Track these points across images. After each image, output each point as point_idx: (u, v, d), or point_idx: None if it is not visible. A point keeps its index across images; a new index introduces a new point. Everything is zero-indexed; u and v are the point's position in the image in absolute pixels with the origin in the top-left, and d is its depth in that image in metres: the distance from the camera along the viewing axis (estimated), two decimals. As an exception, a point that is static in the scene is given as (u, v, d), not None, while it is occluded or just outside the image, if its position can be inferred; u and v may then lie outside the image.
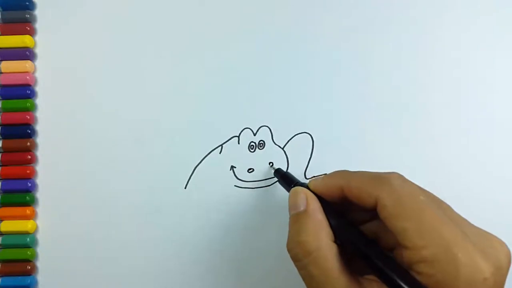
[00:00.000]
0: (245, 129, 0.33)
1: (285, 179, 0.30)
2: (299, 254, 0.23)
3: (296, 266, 0.23)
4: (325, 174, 0.33)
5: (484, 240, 0.21)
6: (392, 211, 0.21)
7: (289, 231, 0.24)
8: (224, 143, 0.33)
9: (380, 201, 0.22)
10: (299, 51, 0.33)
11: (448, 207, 0.23)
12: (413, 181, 0.23)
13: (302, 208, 0.24)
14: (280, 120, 0.33)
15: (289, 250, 0.24)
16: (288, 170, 0.33)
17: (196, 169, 0.33)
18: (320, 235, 0.23)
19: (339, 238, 0.23)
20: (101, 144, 0.33)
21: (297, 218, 0.24)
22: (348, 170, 0.25)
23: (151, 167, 0.33)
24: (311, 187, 0.26)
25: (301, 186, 0.26)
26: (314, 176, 0.32)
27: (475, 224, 0.22)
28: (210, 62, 0.33)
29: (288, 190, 0.27)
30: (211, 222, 0.32)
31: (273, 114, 0.33)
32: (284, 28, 0.33)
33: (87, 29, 0.34)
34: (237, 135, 0.33)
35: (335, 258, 0.22)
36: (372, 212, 0.22)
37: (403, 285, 0.20)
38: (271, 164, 0.32)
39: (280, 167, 0.32)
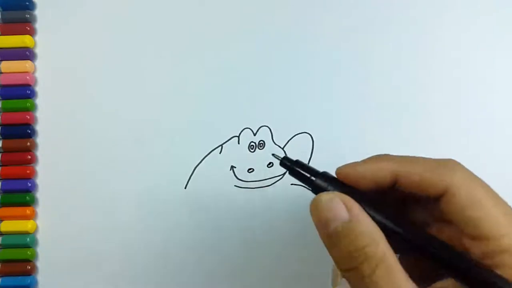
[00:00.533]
0: (245, 129, 0.33)
1: (304, 169, 0.22)
2: (364, 266, 0.18)
3: (356, 284, 0.19)
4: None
5: None
6: (465, 200, 0.19)
7: (336, 248, 0.20)
8: (224, 143, 0.33)
9: (451, 190, 0.19)
10: (299, 51, 0.33)
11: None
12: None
13: (346, 217, 0.19)
14: (280, 120, 0.33)
15: (349, 268, 0.19)
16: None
17: (196, 169, 0.33)
18: (381, 240, 0.19)
19: (395, 241, 0.19)
20: (101, 144, 0.33)
21: (344, 230, 0.19)
22: (390, 154, 0.22)
23: (151, 167, 0.33)
24: (341, 176, 0.21)
25: (322, 177, 0.22)
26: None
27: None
28: (210, 62, 0.33)
29: (308, 184, 0.22)
30: (211, 222, 0.32)
31: (273, 114, 0.33)
32: (284, 28, 0.33)
33: (87, 29, 0.34)
34: (237, 135, 0.33)
35: (400, 267, 0.19)
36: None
37: (498, 282, 0.17)
38: (274, 156, 0.25)
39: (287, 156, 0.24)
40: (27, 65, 0.33)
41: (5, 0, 0.33)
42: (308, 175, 0.22)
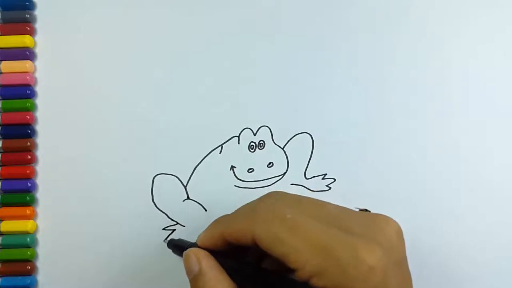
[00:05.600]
0: (245, 129, 0.33)
1: (177, 247, 0.29)
2: None
3: None
4: (325, 174, 0.33)
5: (368, 225, 0.21)
6: (268, 242, 0.21)
7: None
8: (224, 143, 0.33)
9: (256, 238, 0.22)
10: (299, 51, 0.33)
11: (323, 206, 0.23)
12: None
13: (196, 270, 0.24)
14: (280, 120, 0.33)
15: None
16: (288, 170, 0.32)
17: (196, 169, 0.33)
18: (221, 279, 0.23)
19: (239, 283, 0.23)
20: (101, 144, 0.33)
21: (194, 281, 0.24)
22: (226, 215, 0.25)
23: (152, 167, 0.33)
24: (199, 243, 0.26)
25: (194, 246, 0.26)
26: (314, 176, 0.32)
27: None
28: (210, 62, 0.33)
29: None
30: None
31: (273, 114, 0.33)
32: (284, 28, 0.33)
33: (87, 29, 0.34)
34: (237, 135, 0.33)
35: None
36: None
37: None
38: (165, 240, 0.31)
39: (172, 238, 0.31)
40: (27, 65, 0.33)
41: (5, 0, 0.33)
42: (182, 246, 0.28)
